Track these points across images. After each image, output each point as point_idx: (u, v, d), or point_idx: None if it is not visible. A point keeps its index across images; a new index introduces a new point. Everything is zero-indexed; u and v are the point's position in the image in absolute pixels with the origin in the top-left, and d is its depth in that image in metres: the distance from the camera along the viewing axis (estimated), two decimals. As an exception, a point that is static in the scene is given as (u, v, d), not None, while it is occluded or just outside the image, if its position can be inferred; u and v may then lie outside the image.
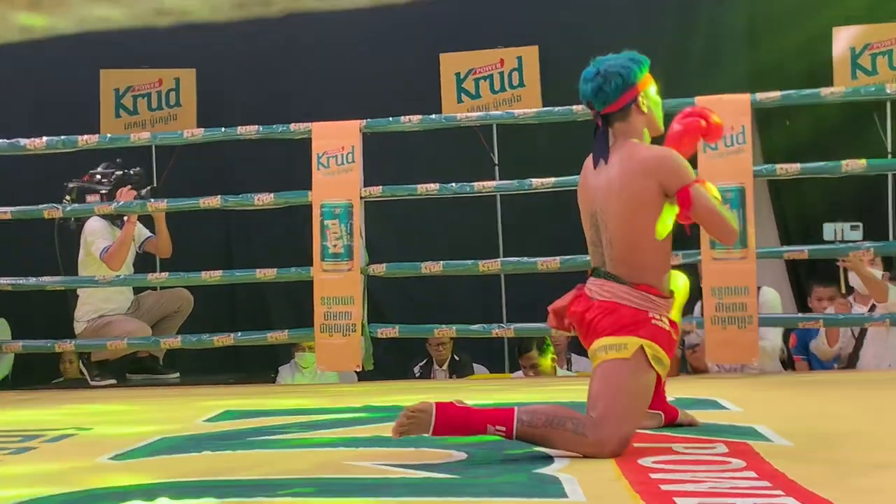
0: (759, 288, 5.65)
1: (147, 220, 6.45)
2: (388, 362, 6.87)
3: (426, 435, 3.11)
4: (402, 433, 3.13)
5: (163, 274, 6.39)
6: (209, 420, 4.36)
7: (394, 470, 3.04)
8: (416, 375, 7.20)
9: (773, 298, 5.75)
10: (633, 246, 3.27)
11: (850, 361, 5.95)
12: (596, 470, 2.93)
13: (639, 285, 3.26)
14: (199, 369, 6.86)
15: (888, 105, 7.04)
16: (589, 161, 3.43)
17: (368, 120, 5.96)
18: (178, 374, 6.46)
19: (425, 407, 3.13)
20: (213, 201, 6.09)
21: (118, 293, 6.36)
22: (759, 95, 5.60)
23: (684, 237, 3.69)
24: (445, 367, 7.21)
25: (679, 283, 3.54)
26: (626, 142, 3.32)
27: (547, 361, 6.37)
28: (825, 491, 2.54)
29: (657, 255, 3.29)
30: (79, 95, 8.10)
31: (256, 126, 6.08)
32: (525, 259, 5.86)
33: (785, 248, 6.17)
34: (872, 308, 5.81)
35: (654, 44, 7.42)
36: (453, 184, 5.91)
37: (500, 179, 6.80)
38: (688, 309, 4.87)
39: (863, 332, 5.90)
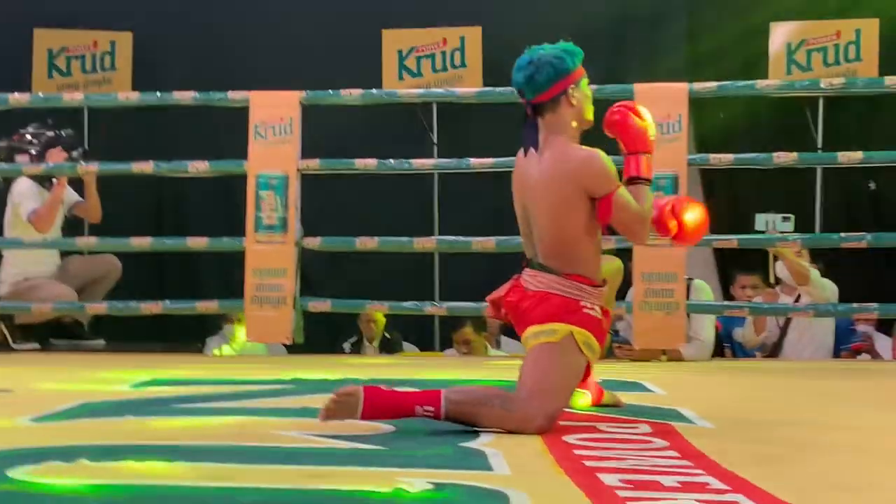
0: (692, 280, 5.73)
1: (77, 184, 6.35)
2: (319, 337, 6.84)
3: (355, 419, 3.11)
4: (329, 417, 3.12)
5: (91, 238, 6.31)
6: (135, 386, 4.32)
7: (319, 440, 3.03)
8: (347, 352, 7.20)
9: (706, 292, 5.82)
10: (561, 242, 3.30)
11: (773, 350, 6.05)
12: (521, 445, 2.95)
13: (570, 275, 3.29)
14: (124, 337, 6.78)
15: (820, 101, 7.15)
16: (520, 153, 3.44)
17: (308, 92, 5.93)
18: (103, 341, 6.39)
19: (353, 390, 3.13)
20: (146, 167, 6.02)
21: (45, 256, 6.27)
22: (696, 85, 5.67)
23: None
24: (376, 344, 7.21)
25: (612, 267, 3.58)
26: (558, 138, 3.33)
27: (481, 340, 6.40)
28: (744, 471, 2.58)
29: (586, 247, 3.32)
30: (11, 53, 7.95)
31: (193, 92, 6.02)
32: (461, 238, 5.88)
33: (715, 236, 6.25)
34: (798, 298, 5.93)
35: (595, 29, 7.55)
36: (391, 160, 5.90)
37: (439, 158, 6.80)
38: (620, 294, 4.92)
39: (787, 322, 6.01)
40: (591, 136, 3.43)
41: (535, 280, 3.33)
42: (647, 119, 3.42)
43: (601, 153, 3.31)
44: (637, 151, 3.39)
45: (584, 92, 3.38)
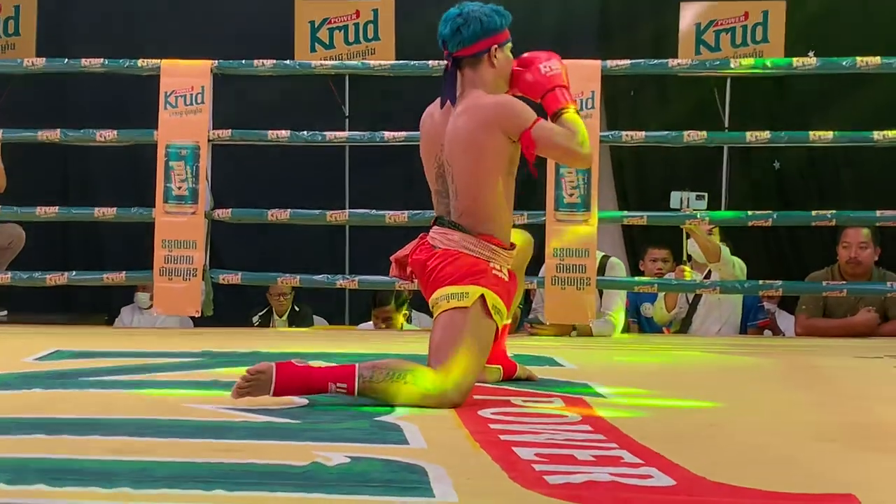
0: (608, 257, 5.79)
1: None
2: (226, 310, 6.78)
3: (267, 396, 3.09)
4: (242, 395, 3.09)
5: (-7, 208, 6.15)
6: (38, 359, 4.24)
7: (234, 413, 3.01)
8: (255, 324, 7.14)
9: (620, 270, 5.89)
10: (477, 197, 3.30)
11: (682, 326, 6.15)
12: (437, 419, 2.96)
13: (482, 235, 3.30)
14: (28, 308, 6.65)
15: (728, 81, 7.27)
16: (430, 110, 3.43)
17: (220, 61, 5.84)
18: (5, 312, 6.24)
19: (265, 367, 3.10)
20: (52, 135, 5.89)
21: (-54, 226, 6.10)
22: (609, 62, 5.71)
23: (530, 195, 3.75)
24: (285, 317, 7.16)
25: (521, 239, 3.60)
26: (473, 91, 3.34)
27: (400, 317, 6.39)
28: (657, 445, 2.62)
29: (501, 206, 3.33)
30: None
31: (101, 59, 5.89)
32: (373, 211, 5.86)
33: (626, 213, 6.33)
34: (708, 275, 6.03)
35: (507, 4, 7.54)
36: (304, 132, 5.85)
37: (351, 131, 6.77)
38: (533, 270, 4.95)
39: (697, 298, 6.11)
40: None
41: (445, 238, 3.32)
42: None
43: (511, 97, 3.36)
44: (554, 87, 3.40)
45: (506, 55, 3.40)
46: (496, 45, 3.35)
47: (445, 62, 3.40)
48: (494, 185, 3.29)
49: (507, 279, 3.32)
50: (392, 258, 3.47)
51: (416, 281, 3.44)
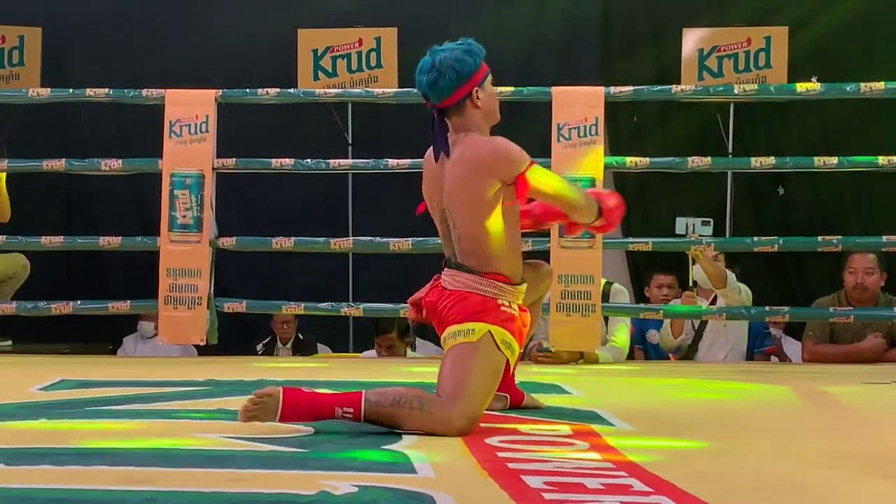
0: (612, 284, 5.78)
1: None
2: (231, 338, 6.77)
3: (274, 421, 3.09)
4: (249, 419, 3.09)
5: (-1, 237, 6.16)
6: (44, 388, 4.23)
7: (239, 443, 2.99)
8: (259, 353, 7.12)
9: (624, 297, 5.88)
10: (479, 240, 3.31)
11: (688, 352, 6.13)
12: (444, 448, 2.94)
13: (487, 274, 3.30)
14: (33, 337, 6.64)
15: (731, 107, 7.28)
16: (431, 153, 3.43)
17: (224, 90, 5.86)
18: (10, 342, 6.24)
19: (272, 391, 3.10)
20: (58, 164, 5.90)
21: (-49, 256, 6.10)
22: (613, 89, 5.73)
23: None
24: (289, 345, 7.15)
25: (542, 272, 3.60)
26: (467, 135, 3.32)
27: (403, 345, 6.37)
28: (665, 473, 2.61)
29: (504, 245, 3.33)
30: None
31: (106, 89, 5.92)
32: (377, 239, 5.86)
33: (629, 239, 6.32)
34: (713, 301, 6.02)
35: (510, 30, 7.58)
36: (308, 160, 5.86)
37: (354, 158, 6.78)
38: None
39: (702, 325, 6.09)
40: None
41: (454, 279, 3.33)
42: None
43: (506, 140, 3.33)
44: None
45: (488, 92, 3.37)
46: (476, 87, 3.32)
47: (431, 113, 3.37)
48: (495, 228, 3.30)
49: (516, 314, 3.32)
50: (409, 301, 3.50)
51: (430, 322, 3.45)
